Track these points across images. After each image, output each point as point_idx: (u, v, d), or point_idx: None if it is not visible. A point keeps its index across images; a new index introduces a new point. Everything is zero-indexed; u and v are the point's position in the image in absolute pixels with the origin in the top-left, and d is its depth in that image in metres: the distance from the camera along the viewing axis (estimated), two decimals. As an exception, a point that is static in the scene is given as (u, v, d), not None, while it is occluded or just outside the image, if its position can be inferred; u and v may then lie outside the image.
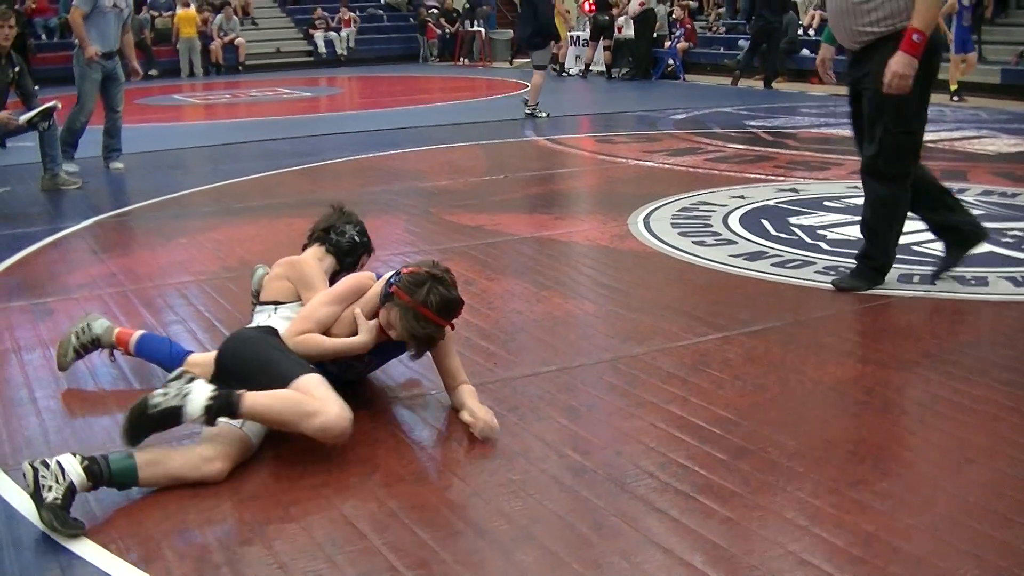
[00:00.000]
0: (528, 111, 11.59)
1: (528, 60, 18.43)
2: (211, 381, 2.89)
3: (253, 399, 2.79)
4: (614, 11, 18.21)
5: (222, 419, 2.76)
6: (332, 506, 2.68)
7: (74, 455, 2.64)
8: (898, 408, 3.27)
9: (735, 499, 2.66)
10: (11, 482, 2.84)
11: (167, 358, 3.53)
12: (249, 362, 2.99)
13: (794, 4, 16.77)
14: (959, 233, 4.57)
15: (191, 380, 2.76)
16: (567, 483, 2.78)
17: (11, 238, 5.95)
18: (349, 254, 3.59)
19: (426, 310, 2.99)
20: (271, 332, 3.18)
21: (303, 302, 3.35)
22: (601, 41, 18.09)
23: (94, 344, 3.64)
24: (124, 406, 3.40)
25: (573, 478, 2.80)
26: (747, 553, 2.40)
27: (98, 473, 2.62)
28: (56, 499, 2.54)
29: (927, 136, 9.21)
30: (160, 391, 2.74)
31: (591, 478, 2.80)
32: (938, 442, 3.03)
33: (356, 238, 3.62)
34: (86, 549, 2.48)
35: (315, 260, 3.54)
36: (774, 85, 15.07)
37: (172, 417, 2.72)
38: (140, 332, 3.66)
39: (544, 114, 11.57)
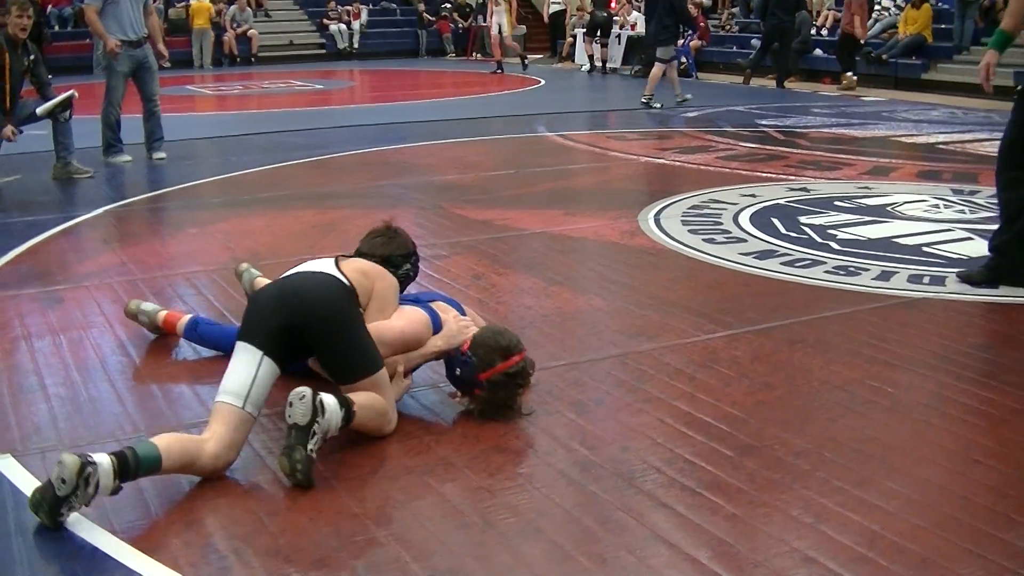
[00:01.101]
0: (643, 101, 12.19)
1: (517, 57, 18.48)
2: (268, 335, 2.91)
3: (360, 409, 2.89)
4: (614, 5, 18.13)
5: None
6: (338, 497, 2.70)
7: (112, 465, 2.53)
8: (905, 408, 3.26)
9: (741, 496, 2.67)
10: (21, 468, 2.86)
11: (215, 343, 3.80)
12: (346, 337, 3.00)
13: (807, 4, 16.71)
14: (1011, 268, 4.47)
15: (320, 402, 2.75)
16: (574, 477, 2.78)
17: (23, 226, 5.98)
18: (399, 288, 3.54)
19: (511, 400, 3.20)
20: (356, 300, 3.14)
21: (363, 308, 3.23)
22: (598, 38, 18.09)
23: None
24: (132, 392, 3.46)
25: (580, 472, 2.81)
26: (752, 550, 2.41)
27: (129, 477, 2.59)
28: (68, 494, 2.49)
29: (939, 138, 9.08)
30: (313, 438, 2.73)
31: (598, 473, 2.81)
32: (944, 443, 3.03)
33: (411, 273, 3.60)
34: (94, 536, 2.50)
35: (395, 288, 3.38)
36: (786, 84, 15.04)
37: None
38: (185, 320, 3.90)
39: (658, 104, 12.13)
